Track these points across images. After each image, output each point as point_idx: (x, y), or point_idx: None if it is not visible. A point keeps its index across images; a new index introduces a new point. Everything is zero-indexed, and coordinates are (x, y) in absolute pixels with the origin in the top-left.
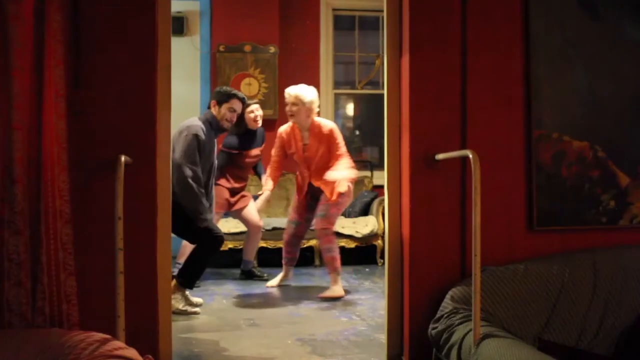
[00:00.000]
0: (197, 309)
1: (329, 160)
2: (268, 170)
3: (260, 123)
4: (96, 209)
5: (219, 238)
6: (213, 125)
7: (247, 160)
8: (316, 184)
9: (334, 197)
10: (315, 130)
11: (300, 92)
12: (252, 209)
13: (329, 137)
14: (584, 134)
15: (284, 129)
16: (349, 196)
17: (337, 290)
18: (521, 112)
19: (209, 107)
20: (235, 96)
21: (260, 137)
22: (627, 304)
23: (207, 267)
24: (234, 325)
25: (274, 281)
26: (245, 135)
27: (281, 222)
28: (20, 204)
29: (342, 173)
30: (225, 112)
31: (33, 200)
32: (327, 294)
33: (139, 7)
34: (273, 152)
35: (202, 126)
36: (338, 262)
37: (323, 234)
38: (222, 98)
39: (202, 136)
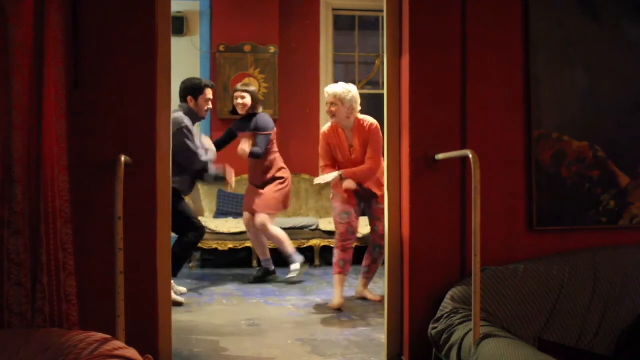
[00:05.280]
0: (179, 299)
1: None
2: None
3: (243, 110)
4: (96, 209)
5: (200, 229)
6: (193, 116)
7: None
8: (367, 185)
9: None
10: (358, 128)
11: (338, 90)
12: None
13: (369, 134)
14: (584, 134)
15: (325, 129)
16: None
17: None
18: (521, 112)
19: (183, 101)
20: (206, 86)
21: (254, 123)
22: (627, 304)
23: (189, 257)
24: (234, 325)
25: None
26: (242, 119)
27: (280, 222)
28: (20, 204)
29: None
30: (202, 103)
31: (33, 200)
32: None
33: (139, 7)
34: (320, 159)
35: (185, 117)
36: None
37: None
38: (196, 92)
39: (189, 125)
